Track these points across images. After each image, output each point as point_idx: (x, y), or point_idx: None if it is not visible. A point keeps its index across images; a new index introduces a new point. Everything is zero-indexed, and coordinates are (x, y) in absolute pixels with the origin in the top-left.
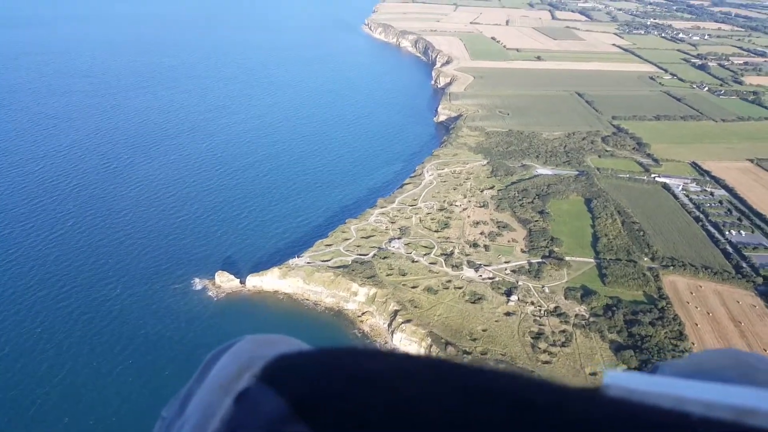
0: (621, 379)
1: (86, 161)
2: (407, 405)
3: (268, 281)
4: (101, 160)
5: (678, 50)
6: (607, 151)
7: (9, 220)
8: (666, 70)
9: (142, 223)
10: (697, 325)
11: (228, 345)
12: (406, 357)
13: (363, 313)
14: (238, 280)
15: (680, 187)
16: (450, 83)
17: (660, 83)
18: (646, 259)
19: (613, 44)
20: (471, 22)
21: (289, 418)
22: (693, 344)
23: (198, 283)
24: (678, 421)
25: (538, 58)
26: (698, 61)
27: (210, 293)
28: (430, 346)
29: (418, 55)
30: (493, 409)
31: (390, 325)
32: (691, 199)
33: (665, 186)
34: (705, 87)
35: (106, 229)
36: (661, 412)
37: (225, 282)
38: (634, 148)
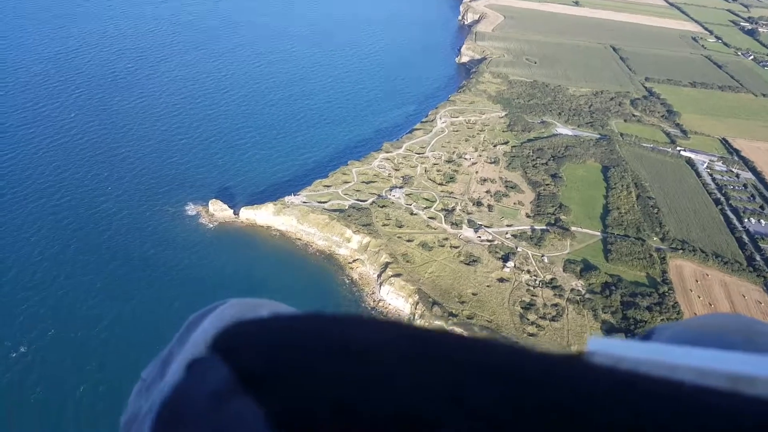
0: (607, 345)
1: (92, 68)
2: (370, 379)
3: (261, 216)
4: (108, 68)
5: (728, 10)
6: (634, 116)
7: (12, 122)
8: (711, 32)
9: (143, 139)
10: (696, 315)
11: (211, 307)
12: (385, 325)
13: (354, 261)
14: (232, 210)
15: (705, 165)
16: (478, 21)
17: (702, 46)
18: (655, 238)
19: None
20: None
21: (236, 389)
22: None
23: (192, 209)
24: (670, 391)
25: (576, 3)
26: (748, 25)
27: (202, 220)
28: (417, 303)
29: None
30: (484, 388)
31: (379, 276)
32: (714, 179)
33: (689, 161)
34: (750, 55)
35: (108, 142)
36: (651, 380)
37: (218, 211)
38: (663, 116)
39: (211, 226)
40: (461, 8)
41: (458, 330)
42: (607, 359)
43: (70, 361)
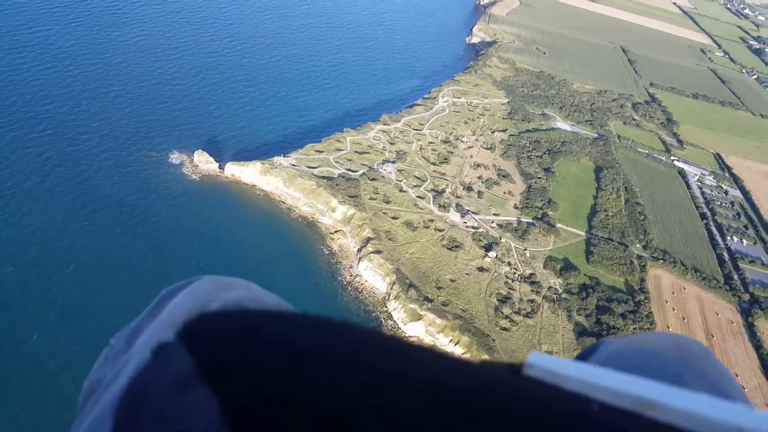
0: (545, 361)
1: None
2: (313, 385)
3: (247, 173)
4: None
5: (739, 26)
6: (634, 119)
7: (2, 44)
8: (720, 46)
9: (137, 79)
10: (669, 328)
11: (185, 283)
12: (335, 328)
13: (335, 231)
14: (218, 164)
15: (696, 177)
16: (494, 2)
17: (710, 58)
18: (638, 245)
19: (675, 2)
20: None
21: (195, 378)
22: None
23: (176, 157)
24: (584, 407)
25: None
26: (756, 44)
27: (185, 170)
28: (393, 283)
29: None
30: (405, 395)
31: (359, 251)
32: (703, 193)
33: (681, 172)
34: (754, 74)
35: (101, 78)
36: (571, 396)
37: (203, 163)
38: (662, 123)
39: (194, 177)
40: None
41: (411, 331)
42: (542, 373)
43: (33, 304)
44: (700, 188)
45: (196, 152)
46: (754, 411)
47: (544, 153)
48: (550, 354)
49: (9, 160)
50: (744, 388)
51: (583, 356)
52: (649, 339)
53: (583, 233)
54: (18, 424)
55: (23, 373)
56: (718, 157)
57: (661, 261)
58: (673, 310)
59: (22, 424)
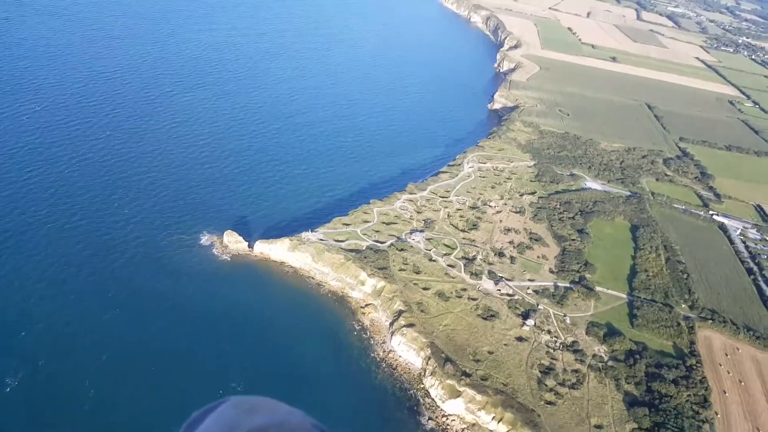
0: None
1: (131, 89)
2: None
3: (276, 251)
4: (146, 91)
5: (766, 76)
6: (666, 175)
7: (44, 139)
8: (749, 97)
9: (170, 165)
10: (725, 392)
11: (212, 407)
12: None
13: (366, 305)
14: (247, 243)
15: (738, 231)
16: (513, 70)
17: (739, 110)
18: (684, 306)
19: (697, 57)
20: (550, 8)
21: None
22: (716, 414)
23: (206, 239)
24: None
25: (613, 59)
26: None
27: (216, 251)
28: (429, 358)
29: (487, 33)
30: None
31: (391, 324)
32: (747, 247)
33: (722, 227)
34: None
35: (135, 166)
36: None
37: (233, 243)
38: (696, 177)
39: (225, 258)
40: (498, 56)
41: (471, 391)
42: None
43: (65, 398)
44: (744, 242)
45: (225, 232)
46: None
47: (576, 214)
48: None
49: (45, 251)
50: None
51: None
52: None
53: (624, 296)
54: None
55: None
56: (759, 209)
57: (710, 321)
58: (728, 373)
59: None
